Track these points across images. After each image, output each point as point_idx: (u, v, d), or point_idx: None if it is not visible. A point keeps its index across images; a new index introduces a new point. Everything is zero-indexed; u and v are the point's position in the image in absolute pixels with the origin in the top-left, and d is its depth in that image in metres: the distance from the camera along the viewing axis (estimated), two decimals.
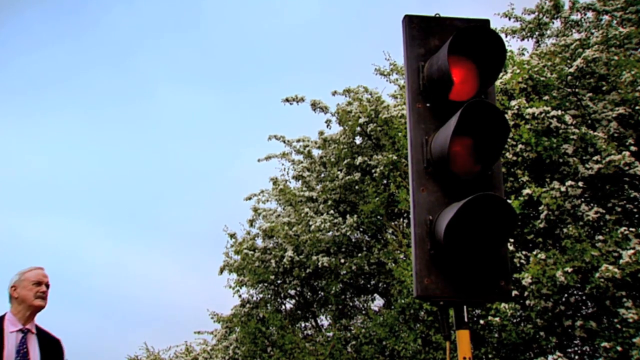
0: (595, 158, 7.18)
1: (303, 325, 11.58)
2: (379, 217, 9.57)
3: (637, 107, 7.30)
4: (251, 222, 11.19)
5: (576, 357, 7.64)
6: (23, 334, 3.61)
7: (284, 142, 10.87)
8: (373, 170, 9.49)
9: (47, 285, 3.77)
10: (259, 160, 11.01)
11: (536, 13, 9.47)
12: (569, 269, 6.46)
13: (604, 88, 8.02)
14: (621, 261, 6.24)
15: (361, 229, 10.10)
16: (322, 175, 10.65)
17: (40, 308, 3.71)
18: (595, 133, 7.29)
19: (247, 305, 11.15)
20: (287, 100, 10.07)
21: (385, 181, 9.69)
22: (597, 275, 6.39)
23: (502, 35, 9.34)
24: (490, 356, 7.57)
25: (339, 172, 9.99)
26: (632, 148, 7.13)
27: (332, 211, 10.04)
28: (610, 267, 6.25)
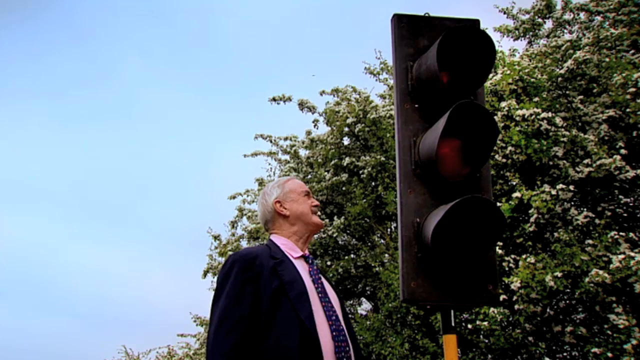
0: (585, 161, 7.13)
1: None
2: (366, 219, 9.47)
3: (627, 110, 7.25)
4: (233, 224, 11.02)
5: None
6: (308, 262, 2.71)
7: (271, 141, 10.75)
8: (361, 172, 9.40)
9: None
10: (245, 156, 10.89)
11: (531, 14, 9.44)
12: (559, 274, 6.40)
13: (594, 90, 7.98)
14: (611, 266, 6.18)
15: (348, 231, 10.00)
16: (309, 176, 10.53)
17: (320, 228, 2.89)
18: (586, 136, 7.24)
19: None
20: (274, 99, 9.96)
21: (373, 183, 9.60)
22: (587, 280, 6.33)
23: (497, 35, 9.34)
24: None
25: (326, 173, 9.88)
26: (623, 151, 7.08)
27: (318, 213, 9.92)
28: (600, 272, 6.19)
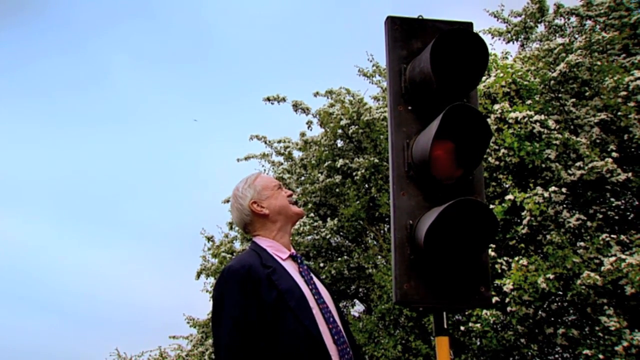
0: (577, 164, 7.17)
1: None
2: (359, 221, 9.47)
3: (619, 113, 7.30)
4: (231, 225, 11.04)
5: None
6: (296, 261, 2.63)
7: (265, 142, 10.76)
8: (354, 173, 9.41)
9: None
10: (238, 160, 10.89)
11: (523, 16, 9.49)
12: (551, 276, 6.43)
13: (586, 93, 8.03)
14: (602, 268, 6.21)
15: (341, 233, 10.01)
16: (303, 177, 10.54)
17: (301, 216, 2.79)
18: (578, 139, 7.28)
19: None
20: (268, 99, 9.95)
21: (366, 184, 9.61)
22: (579, 282, 6.37)
23: (488, 37, 9.38)
24: None
25: (319, 175, 9.88)
26: (614, 154, 7.13)
27: (312, 214, 9.93)
28: (592, 274, 6.23)
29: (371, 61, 10.34)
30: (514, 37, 9.67)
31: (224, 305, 2.36)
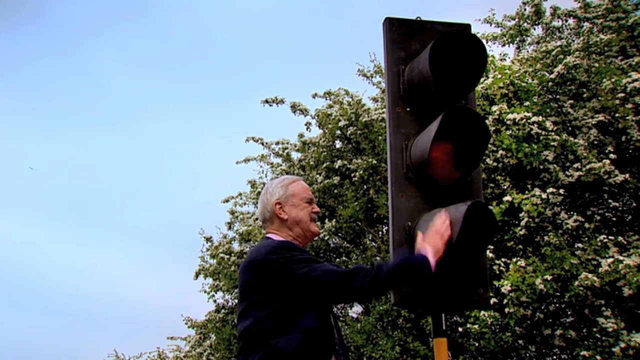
0: (575, 165, 7.18)
1: None
2: (358, 222, 9.47)
3: (616, 115, 7.31)
4: (229, 225, 11.04)
5: None
6: None
7: (262, 144, 10.74)
8: (352, 175, 9.41)
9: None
10: (237, 163, 10.88)
11: (517, 19, 9.49)
12: (549, 277, 6.44)
13: (584, 95, 8.05)
14: (600, 269, 6.22)
15: (340, 234, 10.00)
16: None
17: (315, 236, 2.83)
18: (576, 140, 7.30)
19: (222, 310, 10.97)
20: (266, 101, 9.96)
21: (364, 186, 9.61)
22: (577, 283, 6.38)
23: (483, 41, 9.36)
24: None
25: (318, 176, 9.87)
26: (612, 156, 7.14)
27: (317, 221, 9.90)
28: (590, 276, 6.24)
29: (373, 61, 10.34)
30: (509, 41, 9.66)
31: (300, 258, 2.48)
